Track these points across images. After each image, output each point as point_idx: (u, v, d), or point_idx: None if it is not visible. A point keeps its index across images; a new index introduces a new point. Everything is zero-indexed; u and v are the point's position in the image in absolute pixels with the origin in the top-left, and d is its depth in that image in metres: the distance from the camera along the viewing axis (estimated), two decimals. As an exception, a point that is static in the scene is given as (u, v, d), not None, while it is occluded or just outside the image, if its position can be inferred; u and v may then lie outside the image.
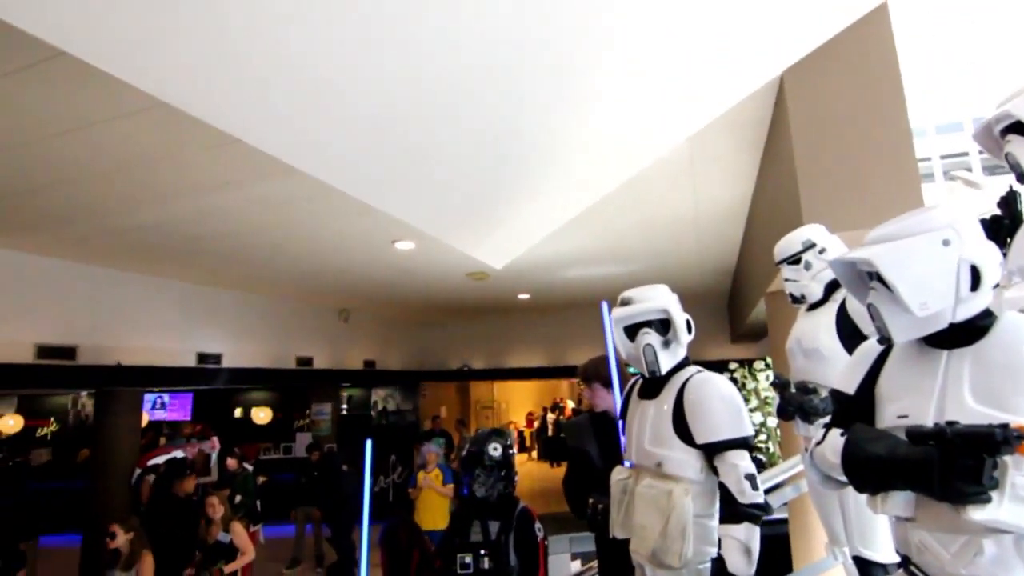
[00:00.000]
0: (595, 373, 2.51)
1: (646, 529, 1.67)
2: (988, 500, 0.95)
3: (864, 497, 1.19)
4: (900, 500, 1.10)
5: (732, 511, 1.59)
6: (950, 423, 0.99)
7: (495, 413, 16.53)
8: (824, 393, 1.84)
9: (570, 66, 2.47)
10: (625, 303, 1.83)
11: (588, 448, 2.43)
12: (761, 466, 7.50)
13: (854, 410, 1.28)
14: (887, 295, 1.13)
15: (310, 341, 9.17)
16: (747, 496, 1.57)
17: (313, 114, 2.43)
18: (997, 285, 1.13)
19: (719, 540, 1.60)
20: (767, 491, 2.92)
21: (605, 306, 2.09)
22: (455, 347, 12.10)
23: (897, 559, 1.20)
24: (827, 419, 1.43)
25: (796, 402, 1.89)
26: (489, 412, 16.14)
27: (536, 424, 17.05)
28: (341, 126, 2.55)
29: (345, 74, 2.21)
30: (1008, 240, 1.61)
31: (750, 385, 8.62)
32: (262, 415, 11.71)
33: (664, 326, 1.77)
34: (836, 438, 1.22)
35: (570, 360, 10.67)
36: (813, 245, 2.07)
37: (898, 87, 2.93)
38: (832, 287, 2.04)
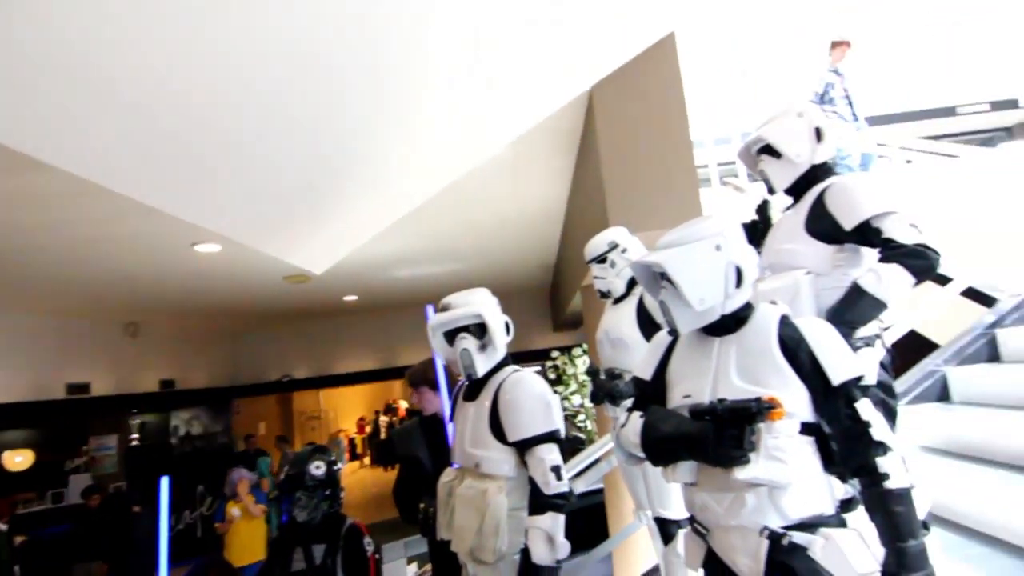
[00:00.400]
0: (422, 377, 2.50)
1: (464, 529, 1.71)
2: (748, 461, 1.14)
3: (660, 468, 1.35)
4: (686, 469, 1.27)
5: (538, 502, 1.67)
6: (721, 400, 1.18)
7: (323, 423, 15.60)
8: (628, 378, 2.06)
9: (394, 72, 2.42)
10: (444, 309, 1.86)
11: (418, 453, 2.40)
12: (581, 443, 8.19)
13: (651, 393, 1.44)
14: (674, 292, 1.30)
15: (86, 364, 7.70)
16: (552, 487, 1.66)
17: (69, 102, 2.02)
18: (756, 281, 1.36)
19: (526, 531, 1.67)
20: (587, 467, 3.19)
21: (430, 309, 2.08)
22: (274, 356, 11.10)
23: (688, 516, 1.38)
24: (631, 402, 1.59)
25: (605, 388, 2.09)
26: (316, 423, 15.17)
27: (368, 429, 16.49)
28: (110, 118, 2.16)
29: (115, 57, 1.87)
30: (762, 241, 1.96)
31: (570, 371, 9.36)
32: (18, 459, 9.41)
33: (481, 330, 1.82)
34: (636, 420, 1.37)
35: (402, 361, 10.50)
36: (617, 246, 2.30)
37: (682, 105, 3.40)
38: (633, 282, 2.29)
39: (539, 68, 2.74)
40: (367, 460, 16.03)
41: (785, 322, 1.26)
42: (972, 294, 3.24)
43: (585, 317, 5.35)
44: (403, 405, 16.53)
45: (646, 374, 1.46)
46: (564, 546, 1.65)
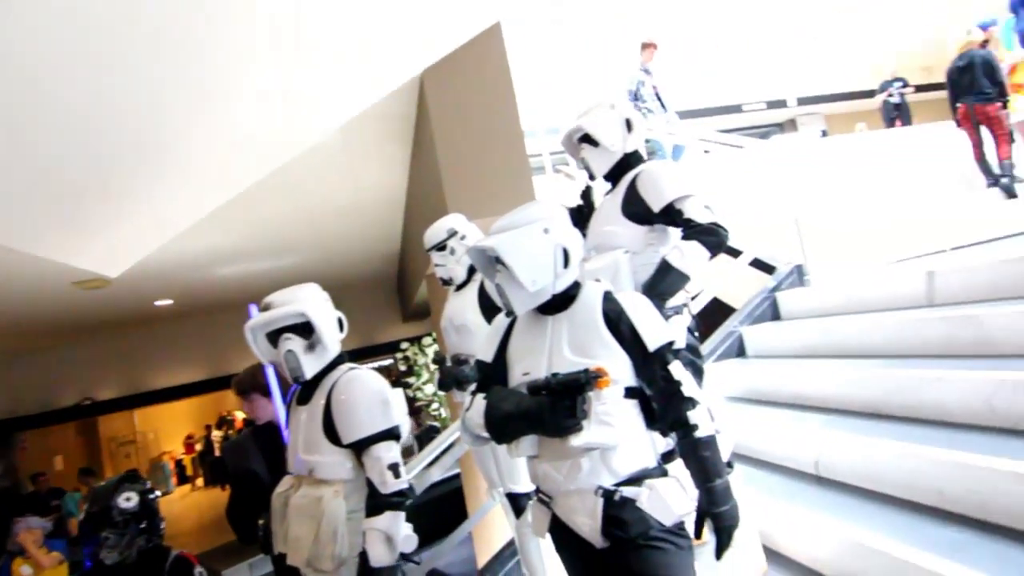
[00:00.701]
0: (251, 383, 2.29)
1: (299, 540, 1.62)
2: (581, 429, 1.22)
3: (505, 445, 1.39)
4: (527, 443, 1.33)
5: (375, 503, 1.62)
6: (554, 374, 1.24)
7: (141, 448, 13.68)
8: (474, 362, 2.09)
9: (196, 49, 2.14)
10: (266, 308, 1.71)
11: (254, 467, 2.20)
12: (437, 431, 8.22)
13: (493, 375, 1.47)
14: (508, 275, 1.34)
15: None
16: (389, 486, 1.62)
17: None
18: (582, 260, 1.44)
19: (364, 533, 1.62)
20: (442, 453, 3.19)
21: (253, 309, 1.90)
22: (69, 377, 9.38)
23: (534, 488, 1.44)
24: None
25: (451, 374, 2.10)
26: (131, 448, 13.25)
27: (199, 447, 14.81)
28: None
29: None
30: (587, 224, 2.09)
31: (421, 360, 9.29)
32: None
33: (308, 329, 1.72)
34: (480, 402, 1.39)
35: (235, 368, 9.40)
36: (455, 233, 2.31)
37: (511, 96, 3.50)
38: (474, 269, 2.32)
39: (367, 51, 2.62)
40: (200, 482, 14.42)
41: (608, 297, 1.36)
42: (757, 264, 3.83)
43: (432, 306, 5.34)
44: (240, 416, 15.09)
45: (487, 356, 1.49)
46: (409, 540, 1.62)
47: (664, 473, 1.33)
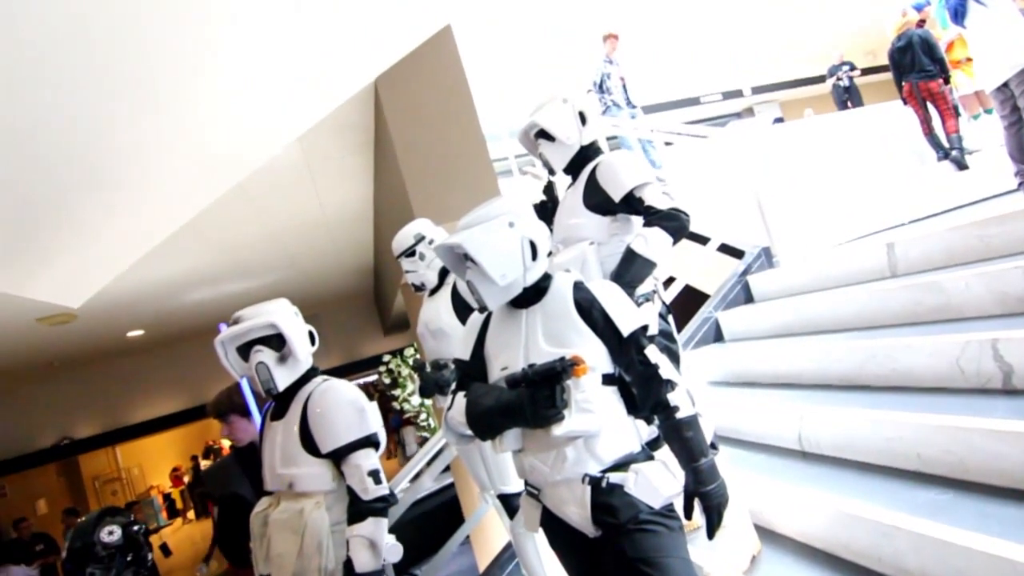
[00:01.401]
0: (228, 405, 2.26)
1: (283, 556, 1.60)
2: (563, 418, 1.22)
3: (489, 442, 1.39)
4: (511, 437, 1.33)
5: (357, 510, 1.64)
6: (531, 366, 1.24)
7: (127, 484, 13.31)
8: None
9: (138, 67, 2.09)
10: (235, 323, 1.71)
11: (239, 490, 2.16)
12: (426, 441, 8.15)
13: (473, 373, 1.47)
14: (478, 271, 1.34)
15: None
16: (370, 492, 1.64)
17: None
18: (550, 254, 1.45)
19: (347, 542, 1.62)
20: (432, 459, 3.17)
21: (223, 327, 1.89)
22: (44, 417, 9.07)
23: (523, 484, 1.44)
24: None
25: (432, 379, 2.08)
26: (117, 486, 12.89)
27: (188, 479, 14.46)
28: None
29: None
30: (552, 218, 2.11)
31: (405, 372, 9.20)
32: None
33: (279, 341, 1.72)
34: (461, 401, 1.39)
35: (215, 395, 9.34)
36: (423, 237, 2.31)
37: (468, 99, 3.51)
38: (446, 272, 2.32)
39: (318, 59, 2.61)
40: (191, 514, 14.06)
41: (578, 287, 1.37)
42: (726, 249, 3.89)
43: (410, 316, 5.31)
44: (227, 444, 14.74)
45: (465, 355, 1.49)
46: (394, 549, 1.62)
47: (649, 457, 1.34)
